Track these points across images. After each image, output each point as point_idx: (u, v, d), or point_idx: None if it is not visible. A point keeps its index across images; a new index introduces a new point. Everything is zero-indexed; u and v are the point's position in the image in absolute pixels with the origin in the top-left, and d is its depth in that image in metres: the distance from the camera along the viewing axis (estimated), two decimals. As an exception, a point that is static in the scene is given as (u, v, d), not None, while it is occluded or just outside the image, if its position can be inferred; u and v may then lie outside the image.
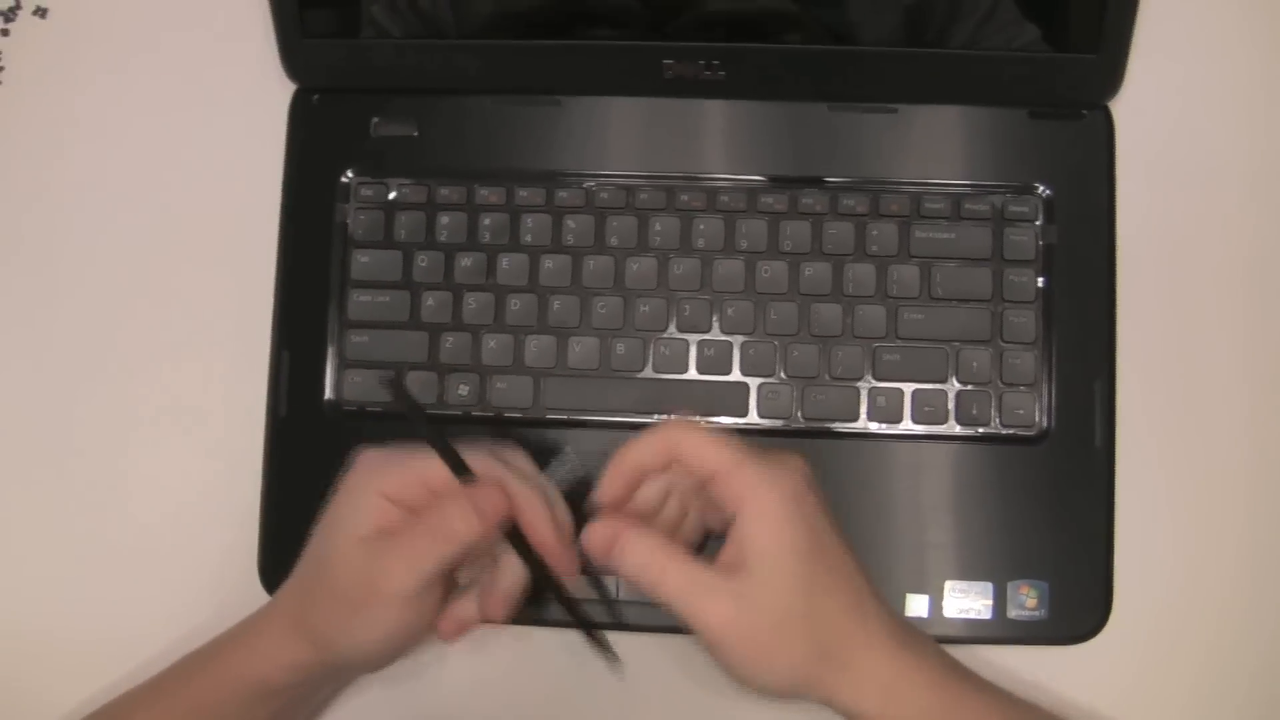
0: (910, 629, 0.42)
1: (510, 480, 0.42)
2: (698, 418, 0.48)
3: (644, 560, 0.40)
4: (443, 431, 0.42)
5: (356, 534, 0.42)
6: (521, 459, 0.44)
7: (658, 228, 0.50)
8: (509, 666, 0.49)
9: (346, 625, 0.42)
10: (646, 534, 0.40)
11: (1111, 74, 0.49)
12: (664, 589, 0.39)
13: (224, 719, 0.44)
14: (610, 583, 0.48)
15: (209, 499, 0.51)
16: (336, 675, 0.47)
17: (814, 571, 0.40)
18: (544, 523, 0.42)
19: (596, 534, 0.41)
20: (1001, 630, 0.48)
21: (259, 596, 0.49)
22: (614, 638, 0.44)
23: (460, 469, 0.42)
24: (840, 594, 0.40)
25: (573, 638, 0.46)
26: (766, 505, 0.39)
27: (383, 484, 0.42)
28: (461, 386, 0.50)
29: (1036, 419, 0.49)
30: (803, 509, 0.40)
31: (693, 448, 0.40)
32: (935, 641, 0.43)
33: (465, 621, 0.44)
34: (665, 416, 0.49)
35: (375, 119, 0.52)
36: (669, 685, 0.49)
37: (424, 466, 0.42)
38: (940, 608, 0.48)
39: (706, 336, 0.50)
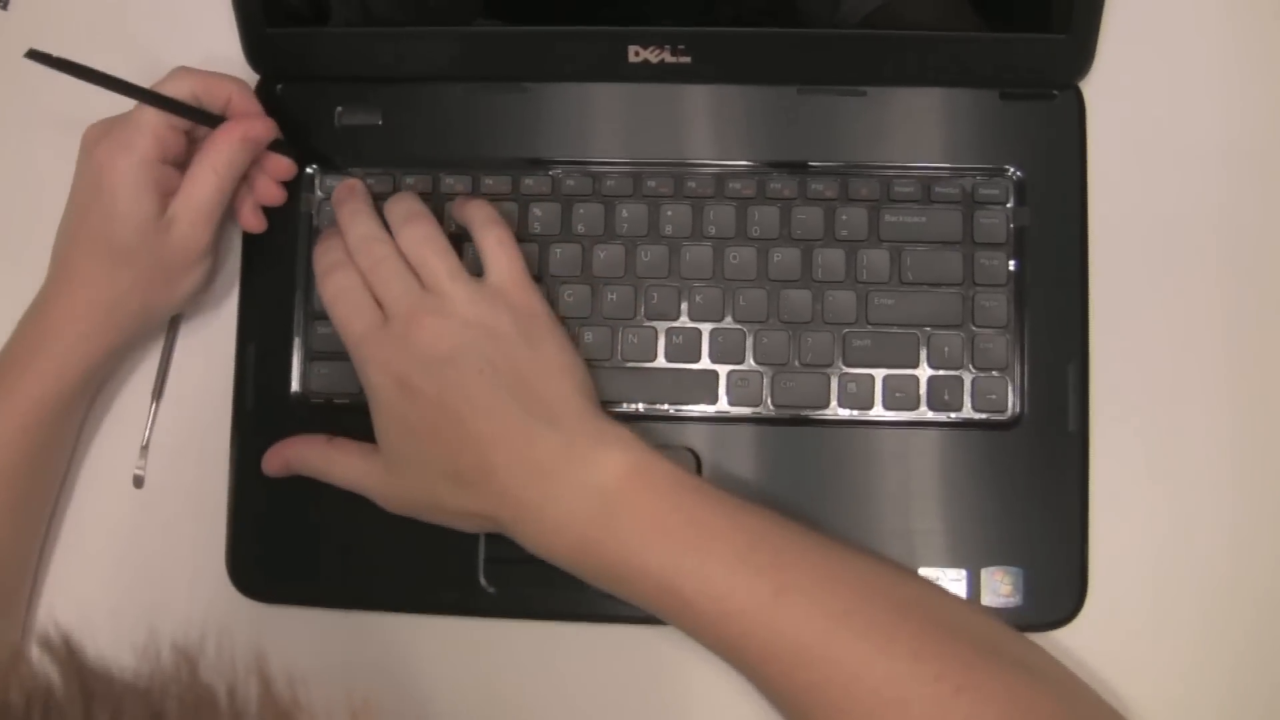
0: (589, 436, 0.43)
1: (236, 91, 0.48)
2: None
3: (314, 463, 0.47)
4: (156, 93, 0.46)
5: (148, 218, 0.46)
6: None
7: (624, 215, 0.50)
8: (494, 661, 0.49)
9: (168, 294, 0.48)
10: (307, 443, 0.48)
11: (1082, 54, 0.48)
12: (335, 475, 0.47)
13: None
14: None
15: (176, 493, 0.51)
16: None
17: (419, 436, 0.44)
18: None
19: (273, 458, 0.48)
20: (976, 617, 0.47)
21: (228, 592, 0.49)
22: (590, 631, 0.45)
23: (202, 117, 0.47)
24: (462, 442, 0.43)
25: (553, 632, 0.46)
26: (369, 391, 0.45)
27: (144, 156, 0.46)
28: (428, 377, 0.49)
29: (1009, 404, 0.48)
30: (398, 394, 0.44)
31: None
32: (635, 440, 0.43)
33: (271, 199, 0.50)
34: (635, 406, 0.49)
35: (339, 108, 0.51)
36: (645, 678, 0.49)
37: (156, 120, 0.46)
38: (914, 595, 0.47)
39: (675, 324, 0.49)
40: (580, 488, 0.42)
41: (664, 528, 0.42)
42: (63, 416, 0.48)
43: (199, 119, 0.47)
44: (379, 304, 0.45)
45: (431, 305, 0.45)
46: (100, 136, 0.46)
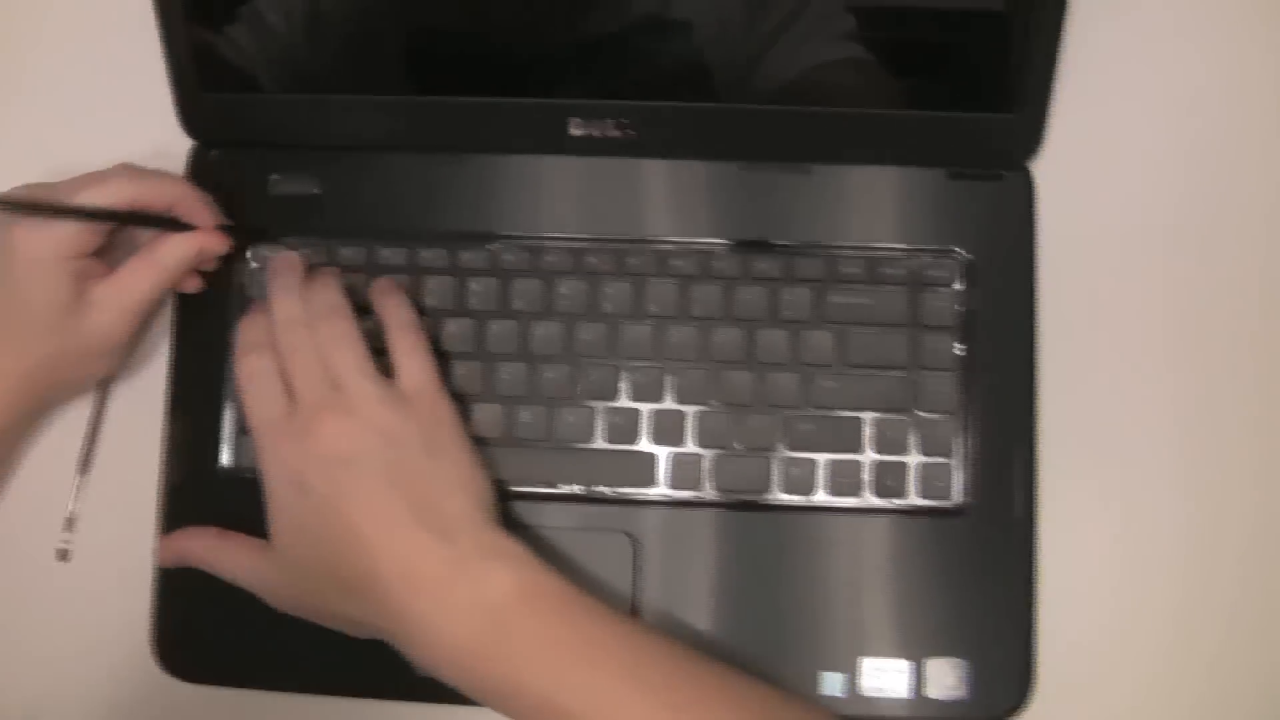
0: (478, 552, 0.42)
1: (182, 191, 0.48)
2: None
3: (204, 556, 0.46)
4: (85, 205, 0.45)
5: (62, 304, 0.46)
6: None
7: (564, 291, 0.48)
8: None
9: (81, 372, 0.49)
10: (197, 535, 0.46)
11: (1031, 134, 0.47)
12: (224, 570, 0.46)
13: None
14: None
15: (102, 568, 0.50)
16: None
17: (309, 536, 0.43)
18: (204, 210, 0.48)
19: (165, 549, 0.47)
20: (921, 710, 0.46)
21: (154, 672, 0.48)
22: None
23: (157, 224, 0.47)
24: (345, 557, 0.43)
25: None
26: (265, 483, 0.45)
27: (59, 249, 0.45)
28: (361, 455, 0.48)
29: (955, 490, 0.47)
30: (292, 490, 0.44)
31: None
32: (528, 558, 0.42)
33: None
34: (571, 488, 0.48)
35: (275, 176, 0.50)
36: None
37: (77, 225, 0.45)
38: (856, 686, 0.46)
39: (613, 404, 0.48)
40: (467, 604, 0.41)
41: (554, 646, 0.41)
42: None
43: (152, 225, 0.47)
44: (291, 392, 0.44)
45: (337, 403, 0.44)
46: (22, 220, 0.45)
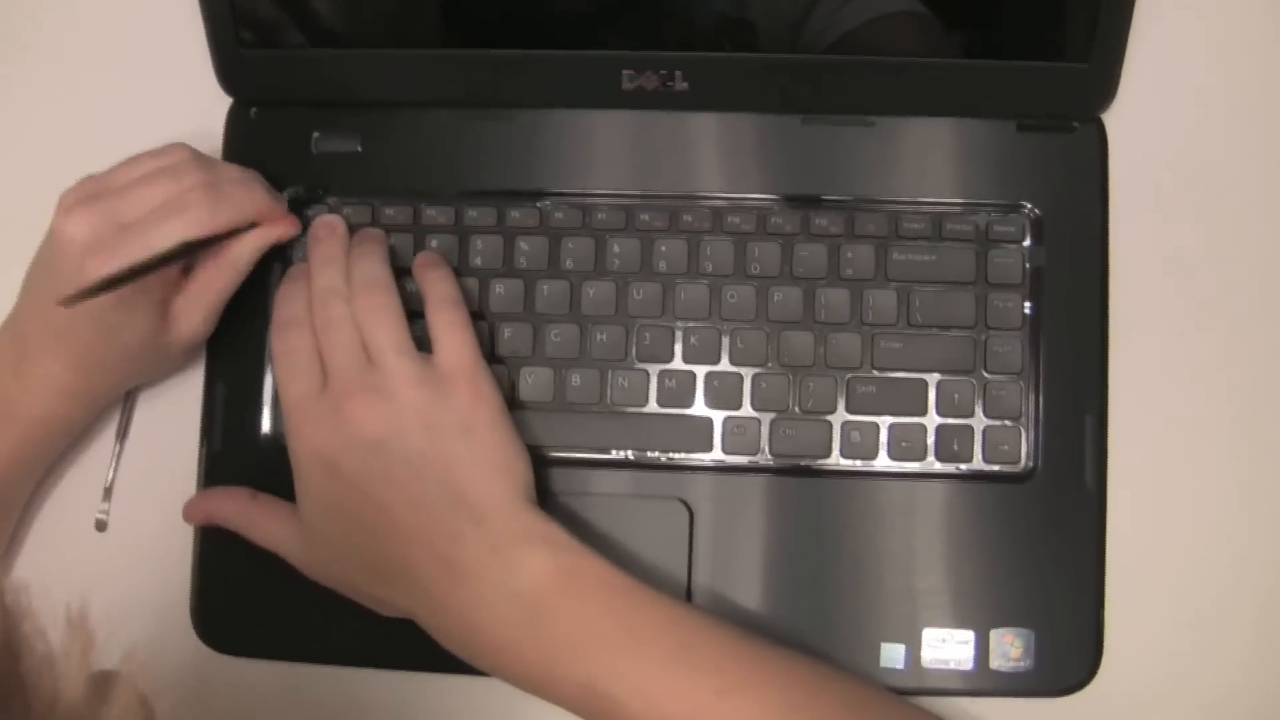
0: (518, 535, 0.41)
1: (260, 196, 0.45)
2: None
3: (234, 518, 0.45)
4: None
5: (148, 335, 0.44)
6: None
7: (616, 250, 0.47)
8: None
9: (155, 373, 0.48)
10: (229, 496, 0.45)
11: (1104, 84, 0.45)
12: (254, 535, 0.44)
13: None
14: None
15: (140, 539, 0.48)
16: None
17: (339, 519, 0.42)
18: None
19: (194, 507, 0.46)
20: (984, 682, 0.45)
21: (193, 644, 0.47)
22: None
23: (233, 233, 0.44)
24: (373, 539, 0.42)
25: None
26: (293, 462, 0.43)
27: (149, 294, 0.43)
28: (407, 420, 0.47)
29: (1022, 455, 0.45)
30: (322, 471, 0.42)
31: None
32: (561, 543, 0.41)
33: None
34: (623, 454, 0.46)
35: (316, 134, 0.48)
36: None
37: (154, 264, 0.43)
38: (918, 658, 0.45)
39: (668, 367, 0.46)
40: (504, 591, 0.40)
41: (593, 632, 0.39)
42: (20, 479, 0.47)
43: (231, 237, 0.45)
44: (325, 369, 0.43)
45: (371, 382, 0.42)
46: (98, 249, 0.41)
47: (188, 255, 0.43)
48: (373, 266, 0.45)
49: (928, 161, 0.47)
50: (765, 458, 0.46)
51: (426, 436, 0.41)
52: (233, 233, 0.44)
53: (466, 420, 0.42)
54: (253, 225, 0.45)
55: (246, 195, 0.45)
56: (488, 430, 0.43)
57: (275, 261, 0.48)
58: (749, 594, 0.45)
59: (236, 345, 0.48)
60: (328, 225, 0.46)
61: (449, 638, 0.41)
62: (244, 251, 0.45)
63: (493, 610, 0.40)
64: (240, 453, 0.47)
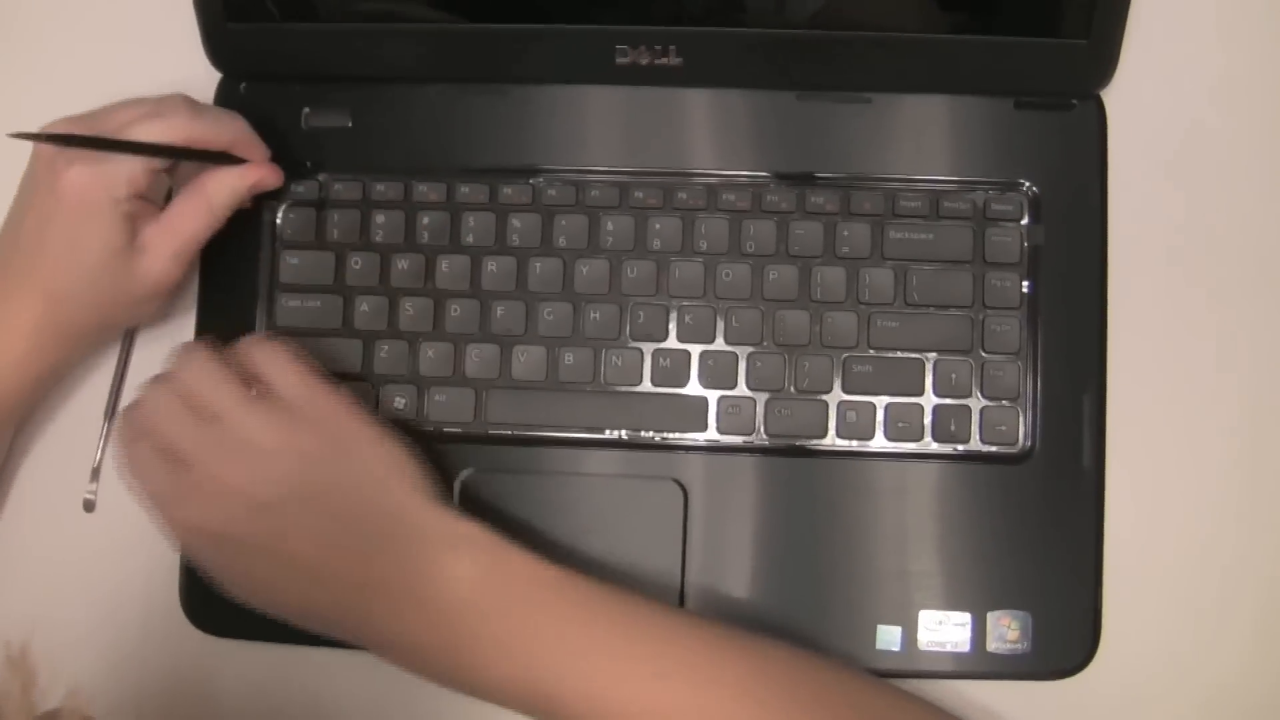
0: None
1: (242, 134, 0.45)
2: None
3: None
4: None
5: (117, 250, 0.43)
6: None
7: (610, 227, 0.46)
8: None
9: (126, 318, 0.47)
10: None
11: (1103, 60, 0.45)
12: None
13: None
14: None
15: (129, 519, 0.47)
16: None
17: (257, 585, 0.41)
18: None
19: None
20: (981, 664, 0.44)
21: (182, 625, 0.46)
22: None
23: (211, 158, 0.44)
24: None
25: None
26: (195, 560, 0.42)
27: (112, 188, 0.42)
28: (397, 399, 0.46)
29: (1020, 436, 0.45)
30: (217, 550, 0.41)
31: None
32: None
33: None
34: (617, 433, 0.46)
35: (307, 109, 0.48)
36: None
37: (132, 162, 0.42)
38: (914, 640, 0.44)
39: (662, 345, 0.46)
40: (429, 604, 0.39)
41: (526, 632, 0.38)
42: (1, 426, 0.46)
43: (208, 160, 0.44)
44: (174, 456, 0.41)
45: (230, 447, 0.40)
46: (72, 159, 0.42)
47: (159, 155, 0.43)
48: (178, 350, 0.43)
49: (925, 139, 0.46)
50: (760, 438, 0.45)
51: (303, 473, 0.40)
52: (211, 158, 0.44)
53: (335, 438, 0.41)
54: (234, 163, 0.45)
55: (229, 120, 0.45)
56: (360, 439, 0.41)
57: (263, 239, 0.47)
58: (744, 576, 0.45)
59: (224, 328, 0.47)
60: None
61: (392, 660, 0.40)
62: (219, 190, 0.44)
63: (422, 623, 0.39)
64: (229, 432, 0.47)
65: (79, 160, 0.42)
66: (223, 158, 0.44)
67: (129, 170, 0.42)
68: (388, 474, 0.41)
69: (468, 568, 0.39)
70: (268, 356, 0.42)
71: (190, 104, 0.44)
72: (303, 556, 0.39)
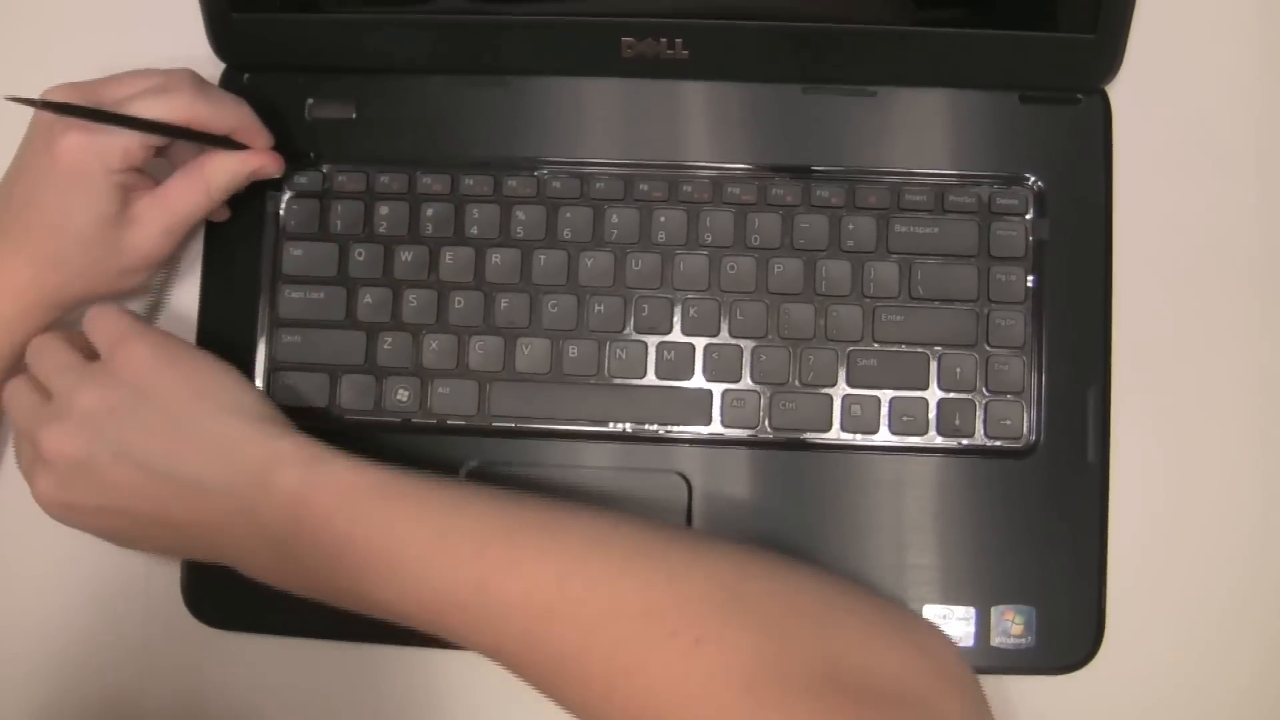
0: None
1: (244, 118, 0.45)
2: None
3: None
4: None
5: (108, 218, 0.43)
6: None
7: (614, 220, 0.46)
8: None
9: (110, 288, 0.45)
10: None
11: (1109, 55, 0.45)
12: None
13: None
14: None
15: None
16: None
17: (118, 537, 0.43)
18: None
19: None
20: (985, 659, 0.44)
21: (184, 619, 0.46)
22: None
23: (210, 140, 0.44)
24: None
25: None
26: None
27: (107, 160, 0.42)
28: (400, 391, 0.46)
29: (1024, 430, 0.45)
30: (65, 515, 0.42)
31: None
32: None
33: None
34: (621, 426, 0.46)
35: (310, 100, 0.48)
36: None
37: (129, 134, 0.42)
38: (918, 634, 0.44)
39: (667, 338, 0.46)
40: (266, 527, 0.39)
41: (345, 547, 0.38)
42: None
43: (207, 142, 0.44)
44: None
45: (49, 413, 0.41)
46: (69, 126, 0.43)
47: (157, 133, 0.43)
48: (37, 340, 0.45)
49: (930, 132, 0.46)
50: (765, 431, 0.45)
51: (116, 427, 0.40)
52: (211, 141, 0.44)
53: (138, 384, 0.41)
54: (236, 148, 0.45)
55: (233, 105, 0.45)
56: (164, 373, 0.41)
57: (266, 226, 0.47)
58: (747, 569, 0.45)
59: (227, 314, 0.47)
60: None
61: (274, 584, 0.41)
62: (218, 173, 0.45)
63: (265, 545, 0.39)
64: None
65: (75, 128, 0.42)
66: (223, 141, 0.44)
67: (125, 142, 0.43)
68: (191, 399, 0.41)
69: (290, 483, 0.39)
70: (94, 323, 0.43)
71: (196, 83, 0.44)
72: (131, 509, 0.40)
